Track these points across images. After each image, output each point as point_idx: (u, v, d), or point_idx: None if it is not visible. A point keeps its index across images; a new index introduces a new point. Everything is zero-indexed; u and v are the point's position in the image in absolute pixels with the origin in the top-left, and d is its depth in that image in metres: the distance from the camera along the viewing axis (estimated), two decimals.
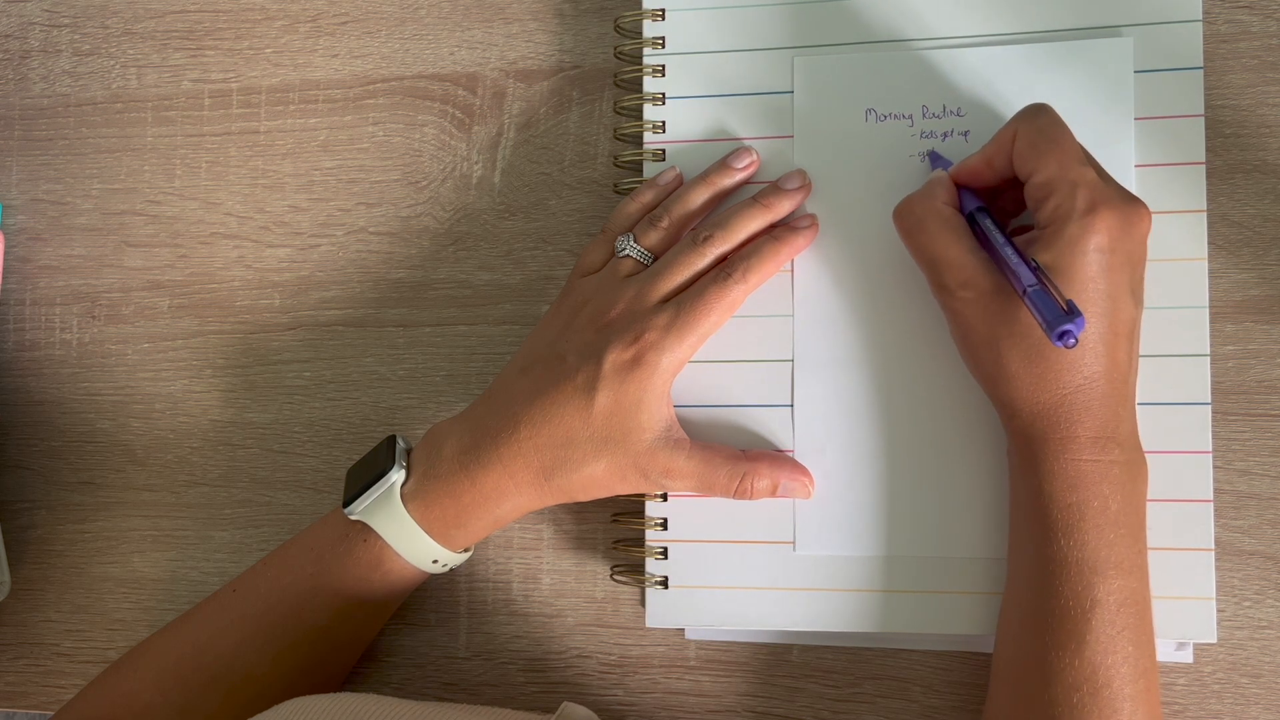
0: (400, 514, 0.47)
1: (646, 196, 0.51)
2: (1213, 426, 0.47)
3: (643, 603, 0.52)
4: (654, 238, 0.49)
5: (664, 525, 0.50)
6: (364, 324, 0.56)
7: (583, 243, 0.54)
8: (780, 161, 0.50)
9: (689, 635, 0.52)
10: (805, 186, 0.50)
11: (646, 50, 0.52)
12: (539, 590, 0.53)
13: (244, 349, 0.57)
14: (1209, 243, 0.48)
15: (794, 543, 0.49)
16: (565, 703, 0.45)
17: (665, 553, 0.50)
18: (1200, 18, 0.48)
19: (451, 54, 0.56)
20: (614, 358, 0.46)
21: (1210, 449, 0.47)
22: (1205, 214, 0.47)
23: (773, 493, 0.48)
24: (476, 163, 0.56)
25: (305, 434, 0.56)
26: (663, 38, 0.52)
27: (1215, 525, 0.47)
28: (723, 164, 0.50)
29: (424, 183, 0.56)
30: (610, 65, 0.54)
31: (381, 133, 0.56)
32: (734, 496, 0.48)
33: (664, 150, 0.52)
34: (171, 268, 0.58)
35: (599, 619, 0.53)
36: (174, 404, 0.57)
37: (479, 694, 0.53)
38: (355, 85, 0.57)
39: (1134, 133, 0.48)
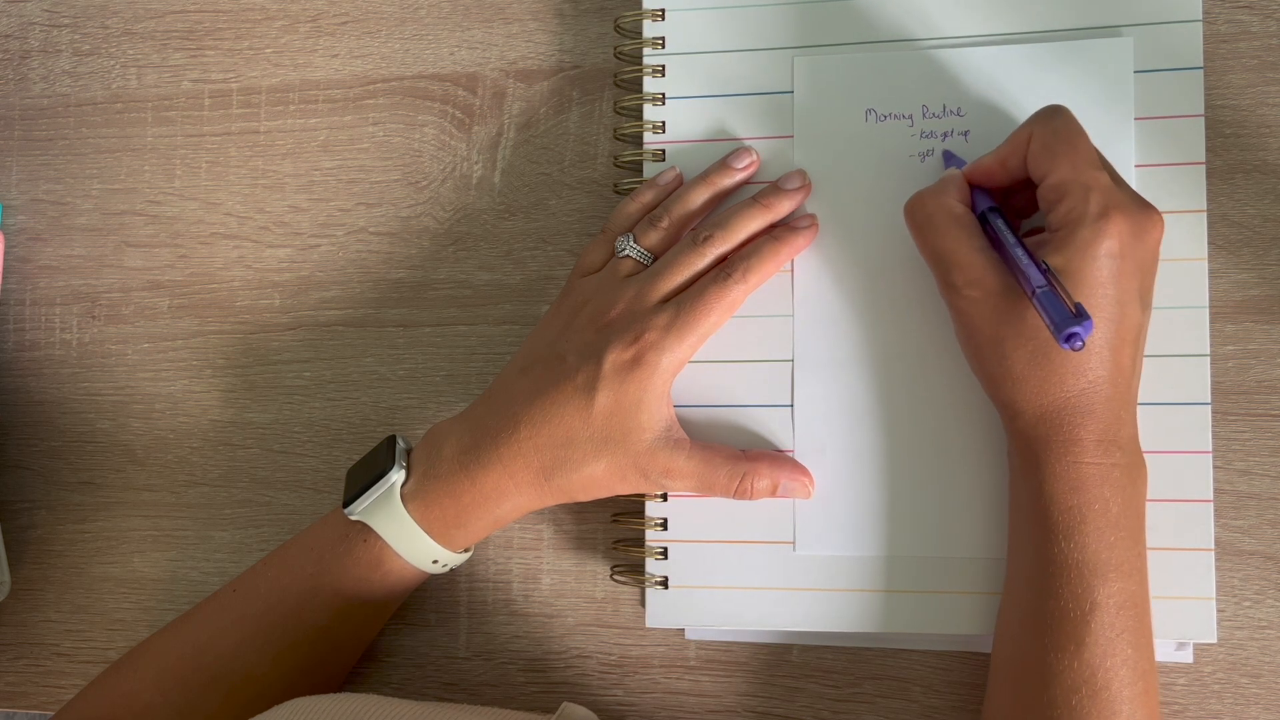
0: (400, 514, 0.47)
1: (646, 196, 0.51)
2: (1213, 426, 0.47)
3: (643, 603, 0.52)
4: (654, 238, 0.49)
5: (664, 525, 0.50)
6: (364, 324, 0.56)
7: (583, 243, 0.54)
8: (780, 161, 0.50)
9: (689, 635, 0.52)
10: (805, 187, 0.50)
11: (646, 50, 0.52)
12: (539, 590, 0.53)
13: (244, 349, 0.57)
14: (1209, 243, 0.48)
15: (794, 543, 0.49)
16: (565, 703, 0.45)
17: (665, 553, 0.50)
18: (1200, 18, 0.48)
19: (451, 54, 0.56)
20: (614, 358, 0.46)
21: (1210, 449, 0.47)
22: (1205, 214, 0.47)
23: (773, 493, 0.48)
24: (476, 163, 0.56)
25: (305, 434, 0.56)
26: (663, 38, 0.52)
27: (1215, 525, 0.47)
28: (723, 164, 0.50)
29: (424, 183, 0.56)
30: (610, 65, 0.54)
31: (381, 133, 0.56)
32: (734, 496, 0.48)
33: (664, 150, 0.52)
34: (171, 268, 0.58)
35: (599, 619, 0.53)
36: (174, 404, 0.57)
37: (479, 694, 0.53)
38: (355, 85, 0.57)
39: (1134, 133, 0.48)
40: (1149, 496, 0.44)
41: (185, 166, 0.58)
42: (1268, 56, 0.49)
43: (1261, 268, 0.48)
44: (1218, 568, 0.47)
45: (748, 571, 0.49)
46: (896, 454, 0.48)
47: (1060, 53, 0.48)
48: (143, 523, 0.57)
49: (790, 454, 0.49)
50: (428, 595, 0.54)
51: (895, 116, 0.49)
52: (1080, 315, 0.38)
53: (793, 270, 0.50)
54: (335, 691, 0.51)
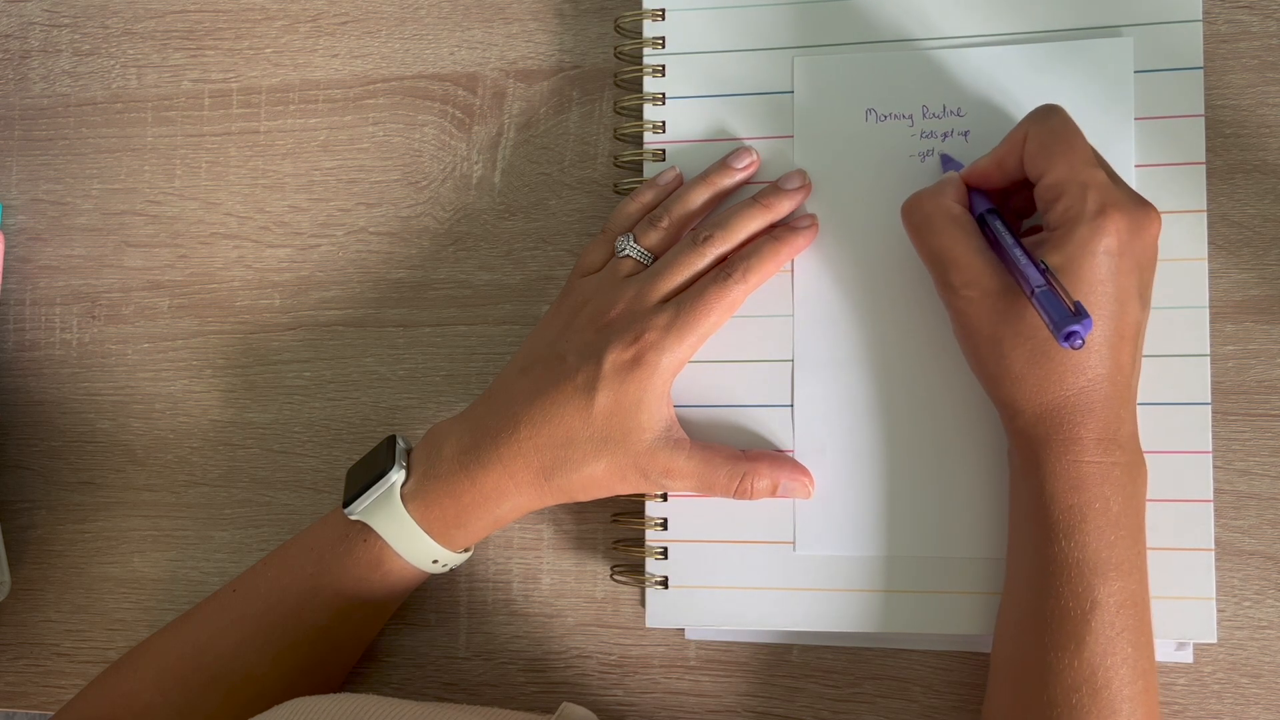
0: (400, 514, 0.47)
1: (646, 196, 0.51)
2: (1213, 426, 0.47)
3: (643, 603, 0.52)
4: (654, 238, 0.49)
5: (664, 525, 0.50)
6: (364, 324, 0.56)
7: (583, 243, 0.54)
8: (780, 161, 0.50)
9: (689, 635, 0.52)
10: (805, 186, 0.50)
11: (646, 50, 0.52)
12: (539, 590, 0.53)
13: (244, 349, 0.57)
14: (1209, 243, 0.48)
15: (794, 543, 0.49)
16: (565, 703, 0.45)
17: (665, 553, 0.50)
18: (1200, 18, 0.48)
19: (451, 54, 0.56)
20: (614, 358, 0.46)
21: (1210, 449, 0.47)
22: (1205, 214, 0.47)
23: (773, 493, 0.48)
24: (476, 163, 0.56)
25: (305, 434, 0.56)
26: (663, 38, 0.52)
27: (1215, 525, 0.47)
28: (723, 164, 0.50)
29: (424, 183, 0.56)
30: (610, 65, 0.54)
31: (381, 133, 0.56)
32: (734, 496, 0.48)
33: (664, 150, 0.52)
34: (171, 268, 0.58)
35: (599, 619, 0.53)
36: (174, 404, 0.57)
37: (479, 694, 0.53)
38: (355, 85, 0.57)
39: (1134, 133, 0.48)
40: (1149, 496, 0.44)
41: (185, 166, 0.58)
42: (1268, 56, 0.49)
43: (1261, 268, 0.48)
44: (1218, 568, 0.47)
45: (748, 571, 0.49)
46: (896, 454, 0.48)
47: (1060, 53, 0.48)
48: (143, 523, 0.57)
49: (790, 454, 0.49)
50: (428, 595, 0.54)
51: (895, 116, 0.49)
52: (1079, 314, 0.38)
53: (793, 270, 0.50)
54: (335, 691, 0.51)
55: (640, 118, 0.52)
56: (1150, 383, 0.46)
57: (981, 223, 0.45)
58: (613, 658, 0.52)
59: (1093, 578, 0.41)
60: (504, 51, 0.56)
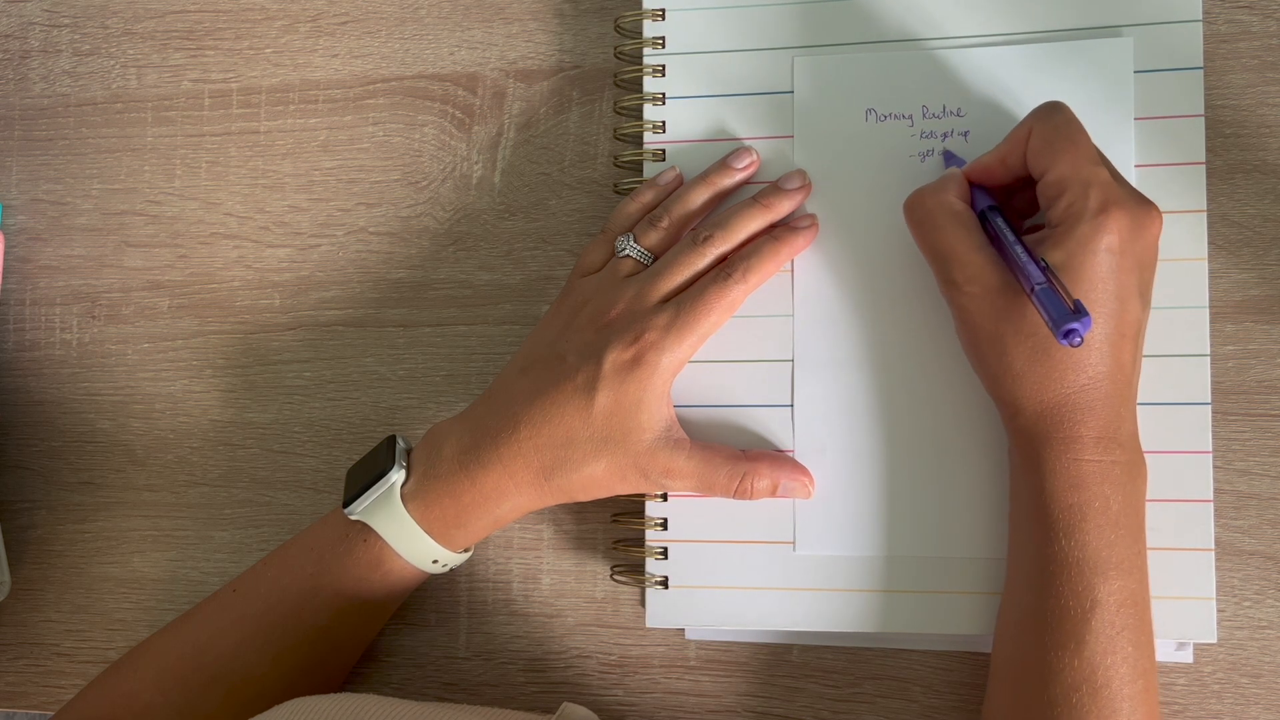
0: (400, 514, 0.47)
1: (646, 196, 0.51)
2: (1213, 426, 0.47)
3: (643, 603, 0.52)
4: (654, 238, 0.49)
5: (664, 525, 0.50)
6: (364, 324, 0.56)
7: (583, 243, 0.54)
8: (780, 161, 0.50)
9: (689, 635, 0.52)
10: (805, 186, 0.50)
11: (646, 50, 0.52)
12: (539, 590, 0.53)
13: (244, 349, 0.57)
14: (1209, 243, 0.48)
15: (794, 543, 0.49)
16: (565, 703, 0.45)
17: (665, 553, 0.50)
18: (1200, 18, 0.48)
19: (451, 54, 0.56)
20: (614, 358, 0.46)
21: (1210, 449, 0.47)
22: (1205, 214, 0.47)
23: (773, 493, 0.48)
24: (476, 163, 0.56)
25: (305, 434, 0.56)
26: (663, 38, 0.52)
27: (1215, 525, 0.47)
28: (723, 164, 0.50)
29: (424, 183, 0.56)
30: (610, 65, 0.54)
31: (381, 133, 0.56)
32: (734, 496, 0.48)
33: (664, 150, 0.52)
34: (171, 268, 0.58)
35: (599, 619, 0.53)
36: (174, 404, 0.57)
37: (479, 694, 0.53)
38: (355, 85, 0.57)
39: (1134, 133, 0.48)
40: (1149, 496, 0.44)
41: (185, 166, 0.58)
42: (1268, 56, 0.49)
43: (1261, 268, 0.48)
44: (1218, 568, 0.47)
45: (748, 571, 0.49)
46: (896, 454, 0.48)
47: (1060, 53, 0.48)
48: (143, 523, 0.57)
49: (790, 454, 0.49)
50: (428, 595, 0.54)
51: (895, 116, 0.49)
52: (1079, 312, 0.38)
53: (793, 270, 0.50)
54: (335, 691, 0.51)
55: (640, 118, 0.52)
56: (1150, 383, 0.46)
57: (983, 219, 0.45)
58: (613, 658, 0.52)
59: (1093, 577, 0.41)
60: (504, 51, 0.56)
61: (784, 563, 0.49)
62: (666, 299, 0.47)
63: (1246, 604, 0.48)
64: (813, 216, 0.50)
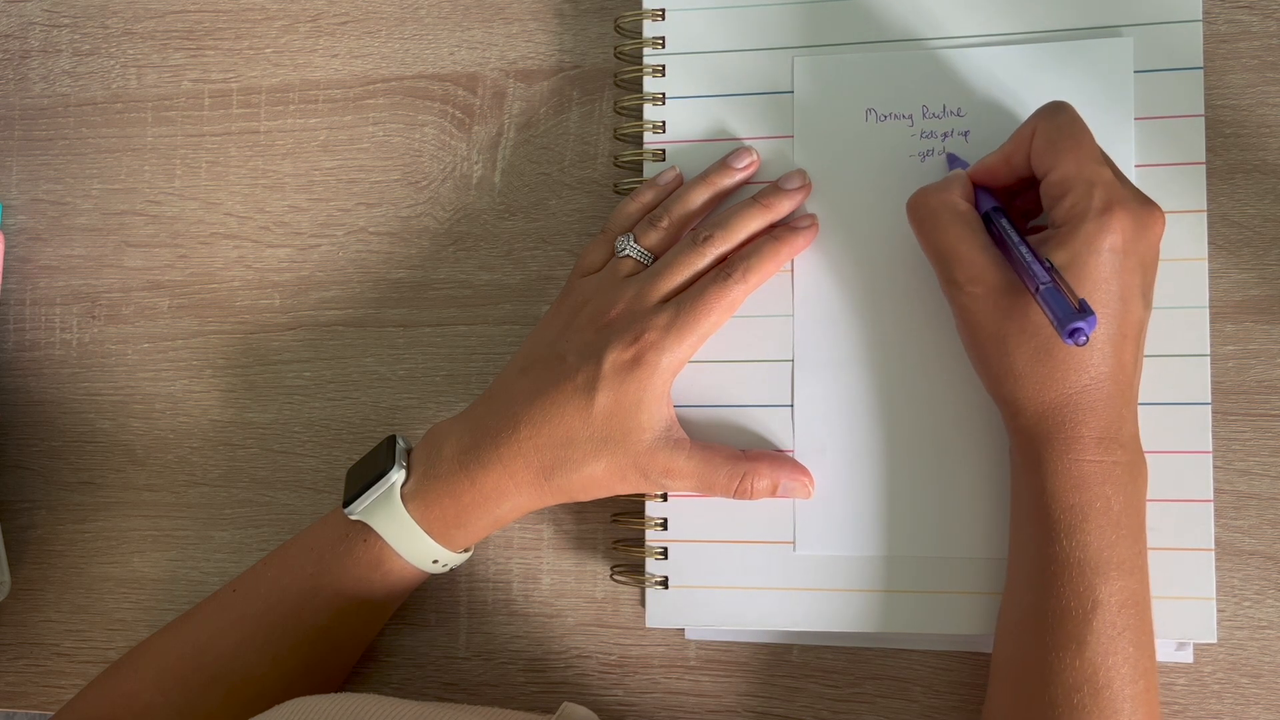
0: (400, 514, 0.47)
1: (646, 196, 0.51)
2: (1213, 426, 0.47)
3: (643, 603, 0.52)
4: (654, 238, 0.49)
5: (664, 525, 0.50)
6: (364, 324, 0.56)
7: (583, 243, 0.54)
8: (780, 161, 0.50)
9: (689, 635, 0.52)
10: (805, 186, 0.50)
11: (646, 50, 0.52)
12: (539, 590, 0.53)
13: (244, 349, 0.57)
14: (1209, 243, 0.48)
15: (794, 543, 0.49)
16: (565, 703, 0.45)
17: (665, 553, 0.50)
18: (1200, 18, 0.48)
19: (451, 54, 0.56)
20: (614, 358, 0.46)
21: (1210, 449, 0.47)
22: (1205, 214, 0.47)
23: (773, 493, 0.48)
24: (476, 163, 0.56)
25: (305, 434, 0.56)
26: (663, 38, 0.52)
27: (1215, 525, 0.47)
28: (723, 164, 0.50)
29: (424, 183, 0.56)
30: (610, 65, 0.54)
31: (381, 133, 0.56)
32: (734, 496, 0.48)
33: (664, 150, 0.52)
34: (171, 268, 0.58)
35: (599, 619, 0.53)
36: (174, 404, 0.57)
37: (479, 694, 0.53)
38: (355, 85, 0.57)
39: (1134, 133, 0.48)
40: (1149, 496, 0.44)
41: (185, 166, 0.58)
42: (1268, 56, 0.49)
43: (1261, 268, 0.48)
44: (1218, 568, 0.47)
45: (748, 571, 0.49)
46: (896, 454, 0.48)
47: (1060, 53, 0.48)
48: (143, 523, 0.57)
49: (790, 454, 0.49)
50: (428, 595, 0.54)
51: (895, 116, 0.49)
52: (1084, 311, 0.38)
53: (793, 270, 0.50)
54: (335, 691, 0.51)
55: (640, 118, 0.52)
56: (1150, 383, 0.46)
57: (987, 220, 0.45)
58: (613, 658, 0.52)
59: (1094, 577, 0.41)
60: (504, 51, 0.56)
61: (784, 563, 0.49)
62: (666, 299, 0.47)
63: (1246, 604, 0.48)
64: (813, 216, 0.50)
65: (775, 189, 0.49)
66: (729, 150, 0.51)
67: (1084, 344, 0.39)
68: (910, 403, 0.48)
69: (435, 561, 0.48)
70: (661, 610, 0.50)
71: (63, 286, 0.59)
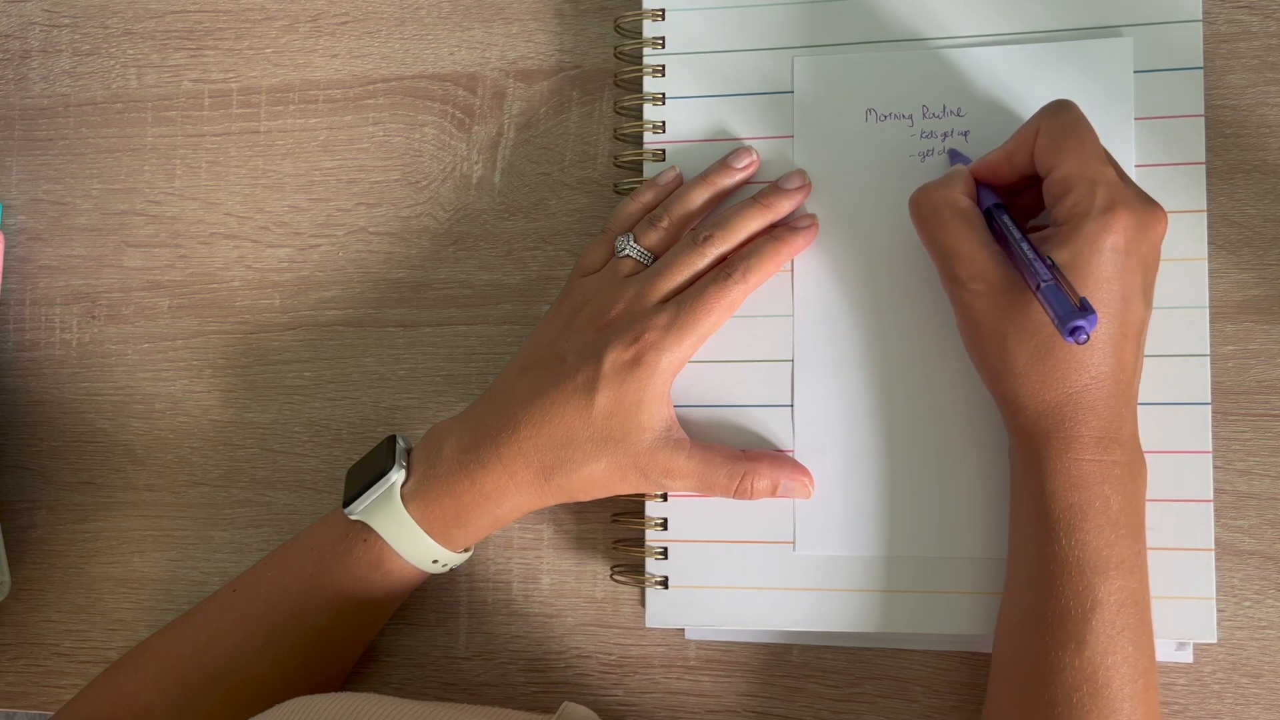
0: (400, 514, 0.47)
1: (646, 196, 0.51)
2: (1213, 426, 0.47)
3: (643, 603, 0.52)
4: (654, 238, 0.49)
5: (664, 525, 0.50)
6: (364, 324, 0.56)
7: (583, 243, 0.54)
8: (780, 161, 0.50)
9: (689, 635, 0.52)
10: (805, 186, 0.50)
11: (646, 50, 0.52)
12: (539, 590, 0.53)
13: (244, 349, 0.57)
14: (1209, 243, 0.48)
15: (794, 543, 0.49)
16: (565, 703, 0.45)
17: (665, 553, 0.50)
18: (1200, 18, 0.48)
19: (451, 54, 0.56)
20: (614, 358, 0.46)
21: (1210, 449, 0.47)
22: (1205, 214, 0.47)
23: (773, 493, 0.48)
24: (476, 163, 0.56)
25: (305, 434, 0.56)
26: (663, 38, 0.52)
27: (1215, 525, 0.47)
28: (723, 164, 0.50)
29: (424, 183, 0.56)
30: (610, 65, 0.54)
31: (381, 133, 0.56)
32: (734, 496, 0.48)
33: (664, 150, 0.52)
34: (171, 268, 0.58)
35: (599, 619, 0.53)
36: (174, 404, 0.57)
37: (479, 694, 0.53)
38: (355, 85, 0.57)
39: (1134, 133, 0.48)
40: (1149, 496, 0.44)
41: (185, 166, 0.58)
42: (1268, 56, 0.49)
43: (1261, 268, 0.48)
44: (1218, 568, 0.47)
45: (748, 571, 0.49)
46: (896, 454, 0.48)
47: (1060, 53, 0.48)
48: (143, 523, 0.57)
49: (790, 454, 0.49)
50: (428, 595, 0.54)
51: (895, 116, 0.49)
52: (1086, 309, 0.38)
53: (793, 270, 0.50)
54: (335, 691, 0.51)
55: (640, 118, 0.52)
56: (1150, 383, 0.46)
57: (989, 218, 0.45)
58: (613, 658, 0.52)
59: (1093, 576, 0.41)
60: (504, 51, 0.56)
61: (784, 563, 0.49)
62: (666, 299, 0.47)
63: (1246, 604, 0.48)
64: (813, 216, 0.50)
65: (775, 189, 0.49)
66: (729, 150, 0.51)
67: (1085, 342, 0.39)
68: (910, 403, 0.48)
69: (435, 561, 0.48)
70: (661, 610, 0.50)
71: (63, 286, 0.59)
